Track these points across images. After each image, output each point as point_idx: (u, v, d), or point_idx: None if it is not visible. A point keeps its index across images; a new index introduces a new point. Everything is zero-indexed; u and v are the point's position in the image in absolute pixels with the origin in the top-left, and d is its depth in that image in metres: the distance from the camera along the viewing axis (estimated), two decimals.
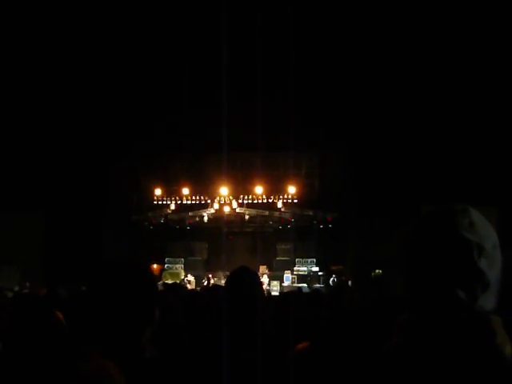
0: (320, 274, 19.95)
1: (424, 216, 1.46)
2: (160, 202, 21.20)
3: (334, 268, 19.38)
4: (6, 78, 15.10)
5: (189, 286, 16.38)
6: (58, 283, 10.43)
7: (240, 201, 20.63)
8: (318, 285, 18.53)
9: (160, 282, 12.95)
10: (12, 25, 13.74)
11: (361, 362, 1.44)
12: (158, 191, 20.93)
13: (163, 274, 20.35)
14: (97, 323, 1.82)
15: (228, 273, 2.83)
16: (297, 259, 20.62)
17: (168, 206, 21.28)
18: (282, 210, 20.81)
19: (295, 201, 20.38)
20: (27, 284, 14.28)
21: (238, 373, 2.18)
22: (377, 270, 16.76)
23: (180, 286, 5.81)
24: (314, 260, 20.49)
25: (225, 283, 2.63)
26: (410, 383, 1.31)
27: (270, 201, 20.53)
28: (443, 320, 1.35)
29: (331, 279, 18.42)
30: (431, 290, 1.38)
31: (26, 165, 17.64)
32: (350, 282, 15.39)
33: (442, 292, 1.37)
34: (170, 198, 21.08)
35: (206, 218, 21.40)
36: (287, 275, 19.92)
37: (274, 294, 14.64)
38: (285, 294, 4.82)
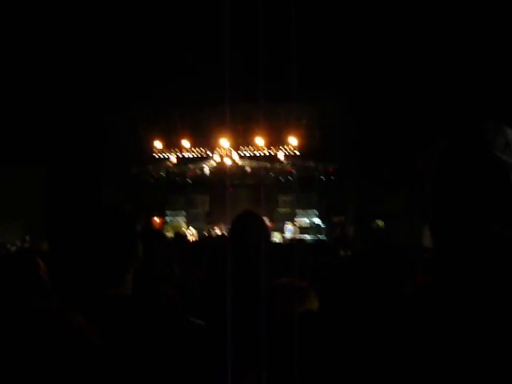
0: (322, 225, 19.96)
1: (452, 136, 1.27)
2: (160, 155, 21.17)
3: (335, 219, 19.39)
4: (6, 29, 14.89)
5: (191, 238, 16.39)
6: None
7: (241, 153, 20.57)
8: (319, 236, 18.56)
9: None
10: None
11: (379, 306, 1.33)
12: (157, 144, 20.85)
13: (164, 226, 20.37)
14: (75, 265, 1.81)
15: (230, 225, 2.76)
16: (298, 210, 20.60)
17: (168, 158, 21.24)
18: (284, 161, 20.72)
19: (296, 152, 20.30)
20: (28, 238, 14.31)
21: (243, 322, 2.12)
22: (378, 221, 16.78)
23: (183, 236, 5.77)
24: (316, 211, 20.48)
25: (230, 227, 2.56)
26: (444, 322, 1.18)
27: (271, 152, 20.47)
28: (477, 255, 1.19)
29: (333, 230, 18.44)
30: (462, 224, 1.21)
31: (25, 119, 17.51)
32: (351, 233, 15.41)
33: (474, 225, 1.20)
34: (170, 151, 21.04)
35: (206, 171, 21.32)
36: (289, 227, 19.91)
37: None
38: (290, 242, 4.77)
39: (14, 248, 11.34)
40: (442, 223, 1.26)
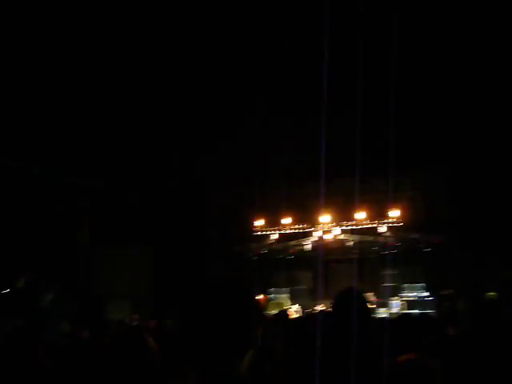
0: (429, 299, 19.25)
1: None
2: (262, 233, 21.36)
3: (444, 292, 18.67)
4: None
5: (295, 316, 16.21)
6: (166, 315, 10.61)
7: (342, 227, 20.44)
8: (428, 310, 17.87)
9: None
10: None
11: None
12: (259, 222, 21.10)
13: (268, 304, 20.29)
14: (193, 342, 1.75)
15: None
16: (404, 284, 20.05)
17: (270, 236, 21.39)
18: (386, 234, 20.38)
19: (399, 224, 19.93)
20: (136, 316, 14.60)
21: None
22: (491, 293, 16.00)
23: (285, 314, 5.71)
24: (423, 285, 19.83)
25: (332, 303, 2.50)
26: None
27: (373, 226, 20.21)
28: None
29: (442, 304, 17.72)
30: None
31: (131, 203, 18.29)
32: (461, 307, 14.74)
33: None
34: (272, 228, 21.21)
35: (308, 247, 21.28)
36: (395, 302, 19.35)
37: None
38: (397, 318, 4.62)
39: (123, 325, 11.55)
40: None
